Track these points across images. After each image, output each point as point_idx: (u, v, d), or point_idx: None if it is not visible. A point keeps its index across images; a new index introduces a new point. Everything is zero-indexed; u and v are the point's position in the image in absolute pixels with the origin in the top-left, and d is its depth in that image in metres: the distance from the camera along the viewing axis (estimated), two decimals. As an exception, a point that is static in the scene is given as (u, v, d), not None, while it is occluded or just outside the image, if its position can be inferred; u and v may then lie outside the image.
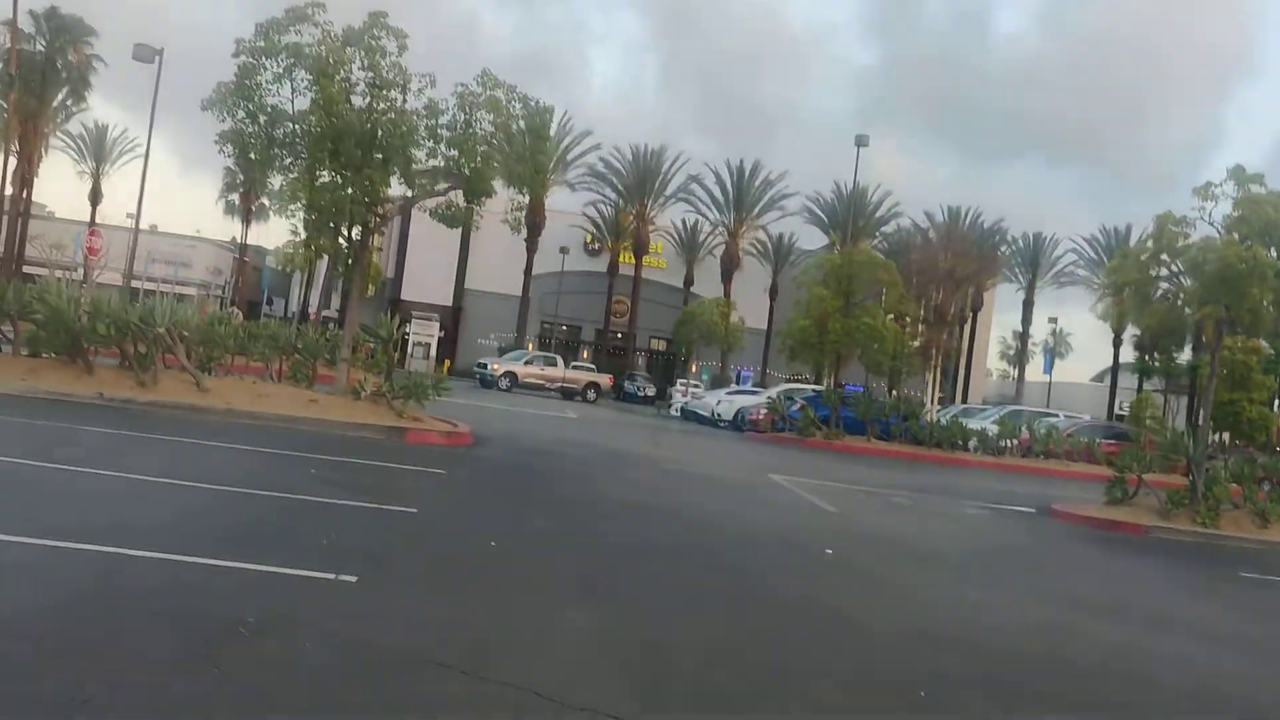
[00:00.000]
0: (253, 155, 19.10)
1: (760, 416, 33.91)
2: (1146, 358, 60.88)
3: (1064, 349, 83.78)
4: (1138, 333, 63.16)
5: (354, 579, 7.14)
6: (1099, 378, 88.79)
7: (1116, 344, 62.82)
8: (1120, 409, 61.39)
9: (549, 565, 8.77)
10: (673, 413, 46.59)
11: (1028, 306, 67.28)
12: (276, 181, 19.78)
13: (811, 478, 20.13)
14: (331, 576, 7.03)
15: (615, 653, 6.36)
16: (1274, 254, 18.22)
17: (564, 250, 61.84)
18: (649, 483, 16.68)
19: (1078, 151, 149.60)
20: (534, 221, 62.28)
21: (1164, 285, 18.95)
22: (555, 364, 51.43)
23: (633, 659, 6.27)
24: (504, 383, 48.62)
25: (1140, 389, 62.98)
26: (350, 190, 18.30)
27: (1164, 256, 19.18)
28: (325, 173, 18.73)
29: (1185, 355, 60.52)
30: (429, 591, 7.38)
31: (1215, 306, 18.13)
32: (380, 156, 18.54)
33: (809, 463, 24.97)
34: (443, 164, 19.03)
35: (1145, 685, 7.31)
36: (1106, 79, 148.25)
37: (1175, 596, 11.88)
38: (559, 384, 49.91)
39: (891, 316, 31.32)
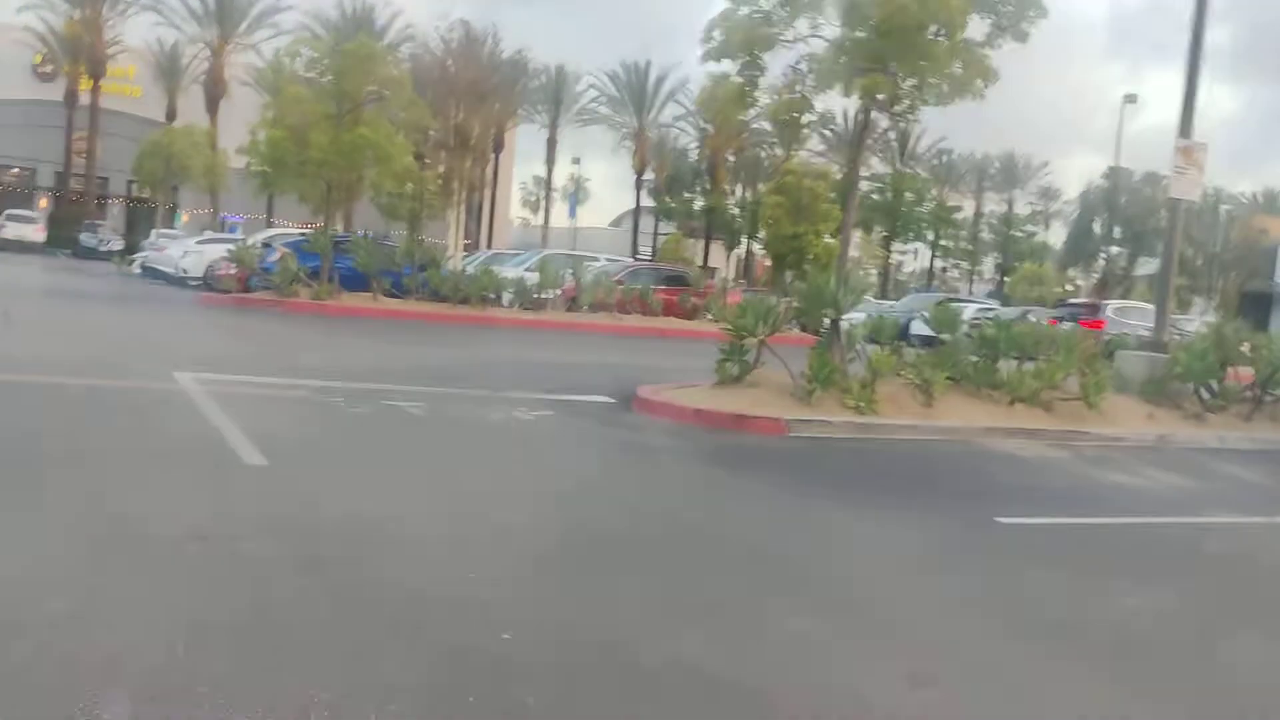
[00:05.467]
0: None
1: (229, 273, 23.58)
2: (666, 199, 56.85)
3: (583, 194, 79.18)
4: (651, 176, 59.21)
5: None
6: (617, 222, 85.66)
7: (639, 185, 58.18)
8: (639, 252, 57.10)
9: None
10: (135, 270, 35.03)
11: (551, 145, 60.32)
12: None
13: (253, 373, 11.00)
14: None
15: None
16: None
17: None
18: None
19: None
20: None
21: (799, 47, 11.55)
22: None
23: None
24: None
25: (656, 231, 59.16)
26: None
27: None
28: None
29: (699, 200, 57.51)
30: None
31: (878, 77, 11.07)
32: None
33: (272, 340, 15.76)
34: None
35: None
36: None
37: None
38: None
39: (401, 135, 22.33)
